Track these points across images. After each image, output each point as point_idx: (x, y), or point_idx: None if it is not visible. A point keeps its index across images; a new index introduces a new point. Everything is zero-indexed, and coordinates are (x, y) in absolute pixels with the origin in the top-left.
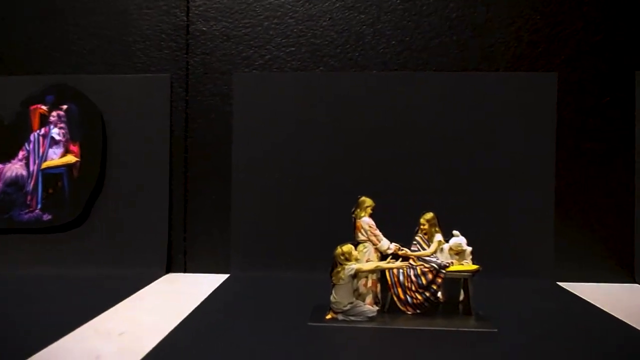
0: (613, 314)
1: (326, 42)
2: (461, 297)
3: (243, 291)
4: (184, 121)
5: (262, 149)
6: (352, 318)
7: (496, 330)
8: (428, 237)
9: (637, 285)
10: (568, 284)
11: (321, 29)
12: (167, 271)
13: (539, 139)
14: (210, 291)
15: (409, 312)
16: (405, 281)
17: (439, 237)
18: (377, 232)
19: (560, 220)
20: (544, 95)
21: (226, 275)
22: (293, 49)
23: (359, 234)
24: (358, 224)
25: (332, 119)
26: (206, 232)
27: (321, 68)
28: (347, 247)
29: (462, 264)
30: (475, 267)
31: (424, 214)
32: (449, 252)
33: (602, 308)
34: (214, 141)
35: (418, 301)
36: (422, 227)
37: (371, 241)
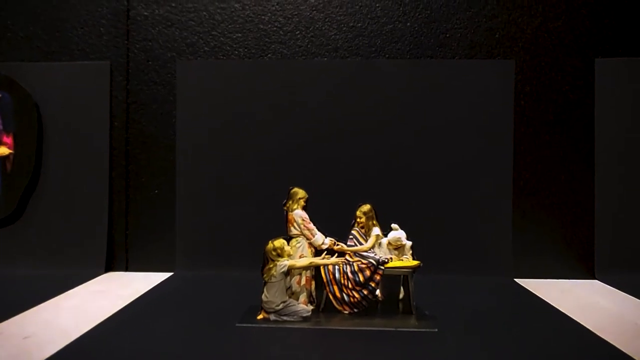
0: (564, 311)
1: (274, 28)
2: (401, 295)
3: (181, 290)
4: (125, 111)
5: (208, 140)
6: (285, 318)
7: (436, 330)
8: (365, 231)
9: (597, 281)
10: (526, 281)
11: (269, 14)
12: (108, 270)
13: (496, 130)
14: (145, 291)
15: (346, 312)
16: (342, 278)
17: (376, 230)
18: (311, 225)
19: (519, 214)
20: (501, 84)
21: (169, 274)
22: (240, 35)
23: (292, 228)
24: (290, 217)
25: (281, 109)
26: (150, 228)
27: (269, 55)
28: (279, 242)
29: (402, 260)
30: (415, 262)
31: (360, 205)
32: (388, 246)
33: (553, 305)
34: (156, 133)
35: (355, 300)
36: (358, 220)
37: (304, 235)
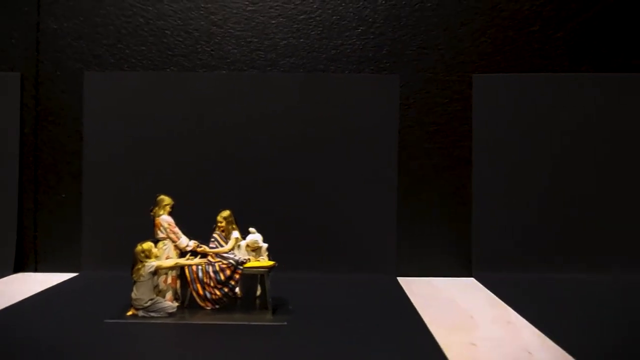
0: (417, 306)
1: (177, 42)
2: (258, 292)
3: (73, 290)
4: (34, 119)
5: (114, 147)
6: (153, 314)
7: (285, 323)
8: (226, 234)
9: (472, 279)
10: (407, 279)
11: (171, 29)
12: (18, 271)
13: (383, 138)
14: (39, 290)
15: (208, 308)
16: (204, 277)
17: (236, 234)
18: (176, 229)
19: (404, 216)
20: (387, 96)
21: (75, 275)
22: (144, 48)
23: (158, 232)
24: (157, 222)
25: (183, 119)
26: (58, 231)
27: (172, 68)
28: (147, 245)
29: (259, 260)
30: (271, 263)
31: (220, 211)
32: (246, 248)
33: (412, 301)
34: (65, 140)
35: (217, 297)
36: (219, 224)
37: (170, 238)
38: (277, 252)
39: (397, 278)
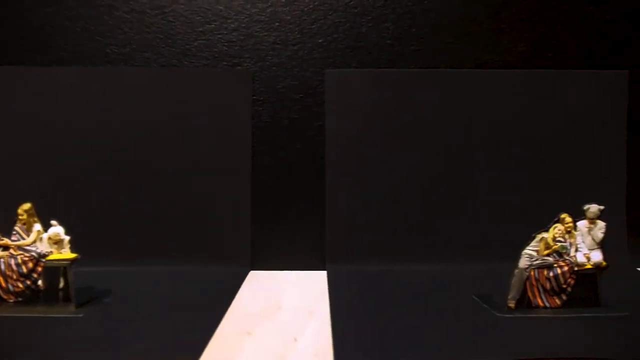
0: (239, 298)
1: (31, 36)
2: (61, 285)
3: None
4: None
5: None
6: None
7: (82, 315)
8: (27, 227)
9: (325, 272)
10: (257, 272)
11: (24, 23)
12: None
13: (236, 134)
14: None
15: (11, 300)
16: (7, 270)
17: (37, 226)
18: None
19: (259, 211)
20: (241, 91)
21: None
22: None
23: None
24: None
25: (34, 115)
26: None
27: (26, 62)
28: None
29: (61, 253)
30: (73, 255)
31: (21, 204)
32: (48, 241)
33: (239, 293)
34: None
35: (19, 289)
36: (20, 217)
37: None
38: (123, 246)
39: (251, 272)
